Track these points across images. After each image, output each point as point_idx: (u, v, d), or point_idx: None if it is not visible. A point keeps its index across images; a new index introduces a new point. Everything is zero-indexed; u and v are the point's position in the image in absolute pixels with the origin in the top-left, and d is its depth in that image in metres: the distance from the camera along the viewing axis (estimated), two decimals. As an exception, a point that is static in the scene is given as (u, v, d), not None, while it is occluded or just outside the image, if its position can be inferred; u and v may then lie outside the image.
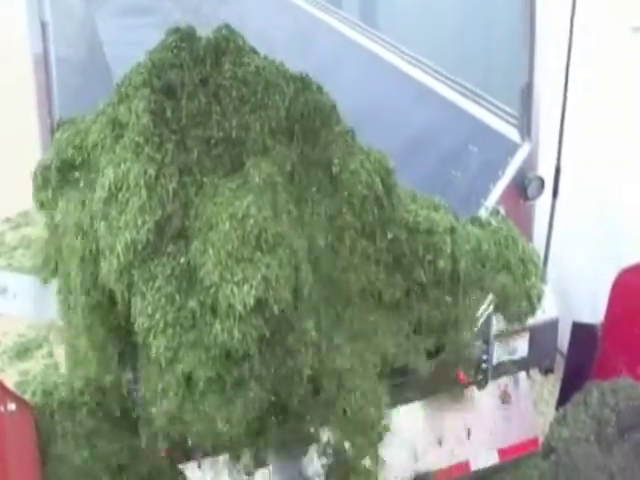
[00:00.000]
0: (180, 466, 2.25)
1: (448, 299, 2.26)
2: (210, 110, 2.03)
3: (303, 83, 2.12)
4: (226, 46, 2.09)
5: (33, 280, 2.43)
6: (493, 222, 2.45)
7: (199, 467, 2.26)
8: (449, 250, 2.21)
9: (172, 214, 1.99)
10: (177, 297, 1.97)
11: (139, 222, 1.96)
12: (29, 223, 5.32)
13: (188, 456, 2.23)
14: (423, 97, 3.02)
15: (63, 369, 3.13)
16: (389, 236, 2.17)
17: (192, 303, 1.97)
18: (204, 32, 2.13)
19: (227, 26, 2.13)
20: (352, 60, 3.58)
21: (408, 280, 2.22)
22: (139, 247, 1.97)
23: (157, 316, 1.96)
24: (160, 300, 1.97)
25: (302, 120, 2.11)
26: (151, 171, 1.96)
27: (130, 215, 1.98)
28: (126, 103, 2.07)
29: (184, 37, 2.06)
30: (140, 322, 1.97)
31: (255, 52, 2.14)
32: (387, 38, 3.47)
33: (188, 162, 2.01)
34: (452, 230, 2.25)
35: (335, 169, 2.12)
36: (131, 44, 4.06)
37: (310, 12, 4.14)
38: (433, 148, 2.80)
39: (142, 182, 1.97)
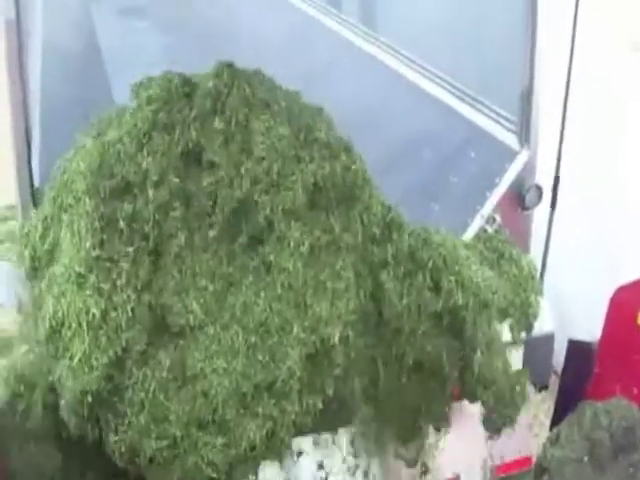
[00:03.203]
0: None
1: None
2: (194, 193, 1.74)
3: (330, 150, 1.82)
4: (227, 95, 1.77)
5: (8, 267, 2.31)
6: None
7: None
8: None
9: (131, 340, 1.69)
10: (152, 427, 1.71)
11: (86, 369, 1.67)
12: (16, 217, 5.21)
13: None
14: (421, 101, 2.95)
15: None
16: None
17: (172, 430, 1.72)
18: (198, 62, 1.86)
19: (230, 66, 1.82)
20: (350, 62, 3.52)
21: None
22: (94, 392, 1.68)
23: (134, 451, 1.73)
24: (133, 436, 1.72)
25: (326, 195, 1.80)
26: (94, 310, 1.66)
27: (76, 358, 1.68)
28: (67, 216, 1.74)
29: (159, 109, 1.73)
30: (117, 457, 1.75)
31: (267, 104, 1.80)
32: (386, 40, 3.41)
33: (163, 262, 1.71)
34: None
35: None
36: (124, 34, 4.02)
37: (308, 13, 4.08)
38: (430, 153, 2.73)
39: (85, 323, 1.66)
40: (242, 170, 1.75)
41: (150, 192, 1.71)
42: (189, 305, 1.73)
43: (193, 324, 1.74)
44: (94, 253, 1.68)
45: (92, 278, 1.68)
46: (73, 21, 4.00)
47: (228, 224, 1.78)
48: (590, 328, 2.56)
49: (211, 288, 1.75)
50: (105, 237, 1.69)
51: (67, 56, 3.29)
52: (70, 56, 3.34)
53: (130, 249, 1.70)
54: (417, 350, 1.98)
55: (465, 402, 2.40)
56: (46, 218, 1.87)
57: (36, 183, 2.18)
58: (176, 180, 1.75)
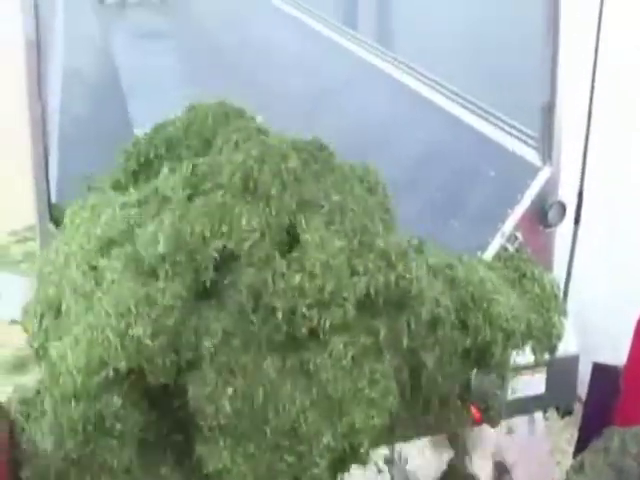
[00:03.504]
0: None
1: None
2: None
3: (387, 260, 1.70)
4: (259, 173, 1.59)
5: (22, 281, 2.29)
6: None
7: None
8: None
9: None
10: None
11: None
12: (35, 238, 5.23)
13: None
14: (439, 118, 2.91)
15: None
16: None
17: None
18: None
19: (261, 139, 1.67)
20: (366, 81, 3.49)
21: None
22: None
23: None
24: None
25: (376, 302, 1.71)
26: None
27: None
28: (51, 409, 1.63)
29: (173, 254, 1.59)
30: None
31: (317, 203, 1.66)
32: (402, 58, 3.38)
33: (197, 365, 1.62)
34: None
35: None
36: (142, 57, 4.05)
37: (323, 33, 4.07)
38: (449, 170, 2.68)
39: None
40: (290, 282, 1.64)
41: (147, 341, 1.59)
42: (221, 407, 1.63)
43: (223, 424, 1.65)
44: (74, 455, 1.62)
45: (72, 476, 1.63)
46: (93, 44, 4.05)
47: (269, 326, 1.68)
48: (616, 351, 2.47)
49: (245, 388, 1.65)
50: (89, 437, 1.62)
51: (86, 77, 3.33)
52: (89, 77, 3.38)
53: (114, 442, 1.62)
54: (443, 390, 1.94)
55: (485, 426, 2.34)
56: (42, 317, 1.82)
57: (53, 200, 2.20)
58: (178, 304, 1.63)
